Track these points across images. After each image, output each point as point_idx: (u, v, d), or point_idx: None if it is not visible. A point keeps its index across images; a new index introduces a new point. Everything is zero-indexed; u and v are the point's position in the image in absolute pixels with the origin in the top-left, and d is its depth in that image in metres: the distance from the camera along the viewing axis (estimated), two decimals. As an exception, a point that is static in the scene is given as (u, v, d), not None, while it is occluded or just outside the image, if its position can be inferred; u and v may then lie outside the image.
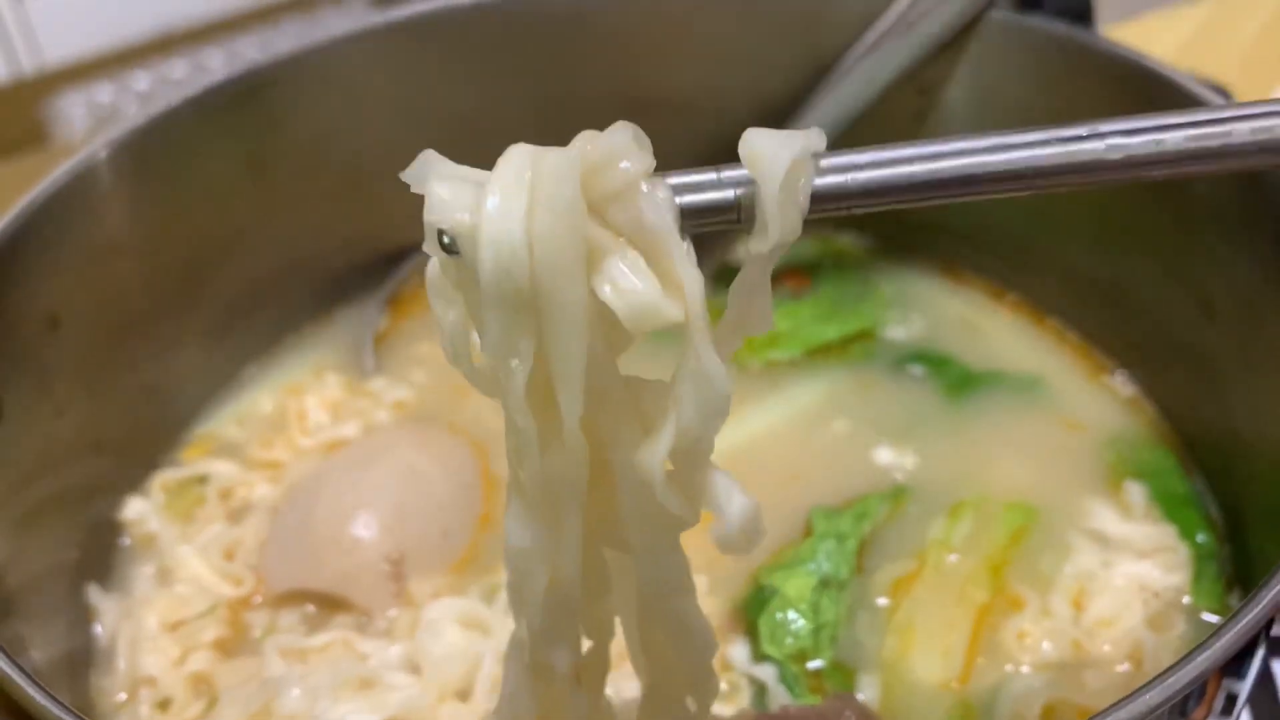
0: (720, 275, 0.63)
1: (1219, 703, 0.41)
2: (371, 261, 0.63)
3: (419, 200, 0.64)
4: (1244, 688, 0.43)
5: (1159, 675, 0.31)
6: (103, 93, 1.27)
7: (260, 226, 0.58)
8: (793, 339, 0.60)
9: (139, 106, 1.10)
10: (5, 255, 0.46)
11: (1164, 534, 0.49)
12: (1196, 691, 0.38)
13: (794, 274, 0.65)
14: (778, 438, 0.55)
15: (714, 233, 0.62)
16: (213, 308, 0.57)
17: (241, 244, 0.58)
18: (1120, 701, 0.31)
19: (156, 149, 0.52)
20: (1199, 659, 0.32)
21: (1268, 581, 0.33)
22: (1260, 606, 0.33)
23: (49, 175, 0.48)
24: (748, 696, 0.44)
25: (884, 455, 0.53)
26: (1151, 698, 0.31)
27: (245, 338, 0.60)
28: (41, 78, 1.24)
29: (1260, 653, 0.43)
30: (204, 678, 0.45)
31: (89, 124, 1.24)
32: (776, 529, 0.50)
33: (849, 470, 0.53)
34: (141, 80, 1.26)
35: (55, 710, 0.30)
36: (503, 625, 0.44)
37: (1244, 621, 0.33)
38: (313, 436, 0.55)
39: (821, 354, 0.59)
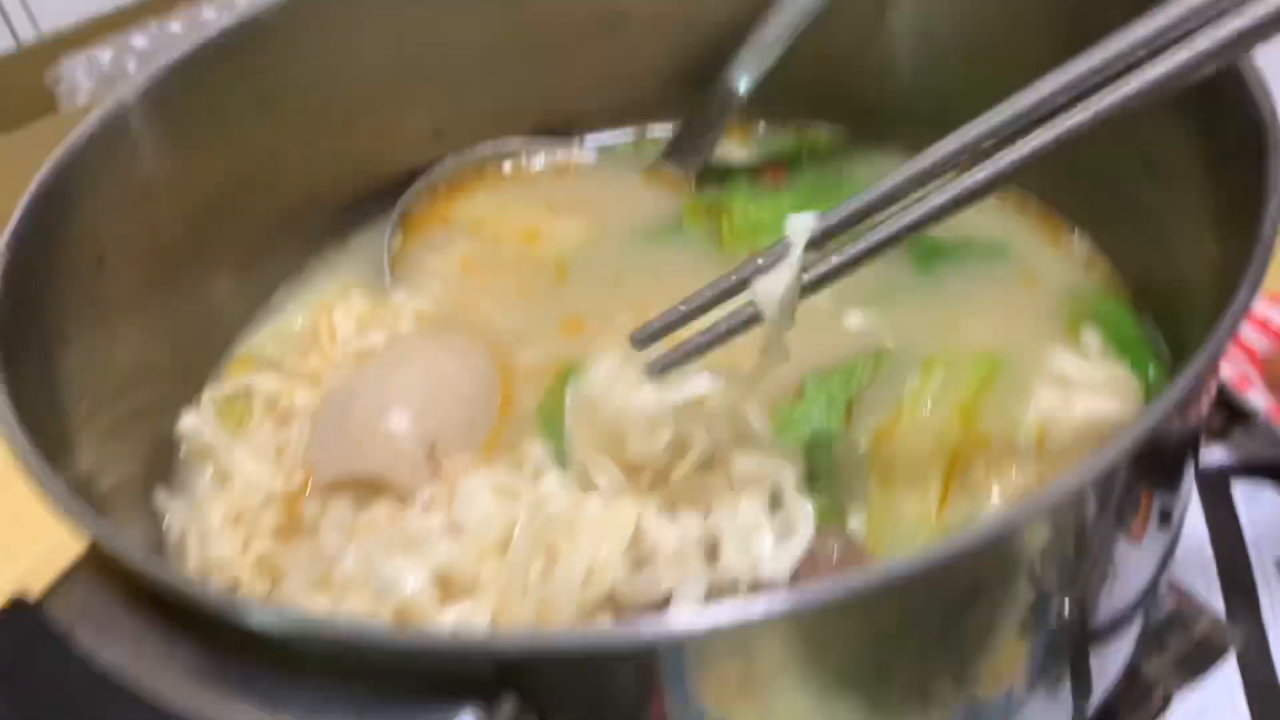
0: (704, 174, 0.68)
1: (1154, 518, 0.47)
2: (382, 185, 0.68)
3: (421, 125, 0.70)
4: (1178, 503, 0.49)
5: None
6: (104, 55, 1.31)
7: (276, 161, 0.63)
8: (774, 227, 0.64)
9: (139, 65, 1.14)
10: (54, 200, 0.51)
11: (1117, 370, 0.54)
12: (1132, 503, 0.43)
13: (773, 168, 0.69)
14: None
15: (700, 132, 0.68)
16: (240, 239, 0.63)
17: (261, 178, 0.63)
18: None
19: (177, 94, 0.57)
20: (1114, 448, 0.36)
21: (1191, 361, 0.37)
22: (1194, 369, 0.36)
23: (83, 123, 0.53)
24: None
25: (863, 322, 0.58)
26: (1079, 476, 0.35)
27: (273, 264, 0.65)
28: (42, 45, 1.27)
29: (1189, 467, 0.48)
30: (266, 560, 0.51)
31: (93, 86, 1.28)
32: (773, 396, 0.55)
33: (834, 340, 0.58)
34: (139, 39, 1.29)
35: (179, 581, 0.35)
36: (530, 490, 0.50)
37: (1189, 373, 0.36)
38: (343, 347, 0.60)
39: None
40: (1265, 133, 0.43)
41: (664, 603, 0.44)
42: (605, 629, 0.32)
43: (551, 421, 0.55)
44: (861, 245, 0.45)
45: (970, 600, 0.38)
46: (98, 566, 0.37)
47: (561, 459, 0.52)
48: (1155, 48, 0.38)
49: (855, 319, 0.58)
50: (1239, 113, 0.45)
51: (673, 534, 0.45)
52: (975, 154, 0.42)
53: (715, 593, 0.45)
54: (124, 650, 0.34)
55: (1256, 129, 0.44)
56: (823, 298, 0.60)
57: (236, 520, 0.52)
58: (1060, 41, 0.58)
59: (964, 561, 0.34)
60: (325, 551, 0.50)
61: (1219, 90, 0.44)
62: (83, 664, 0.33)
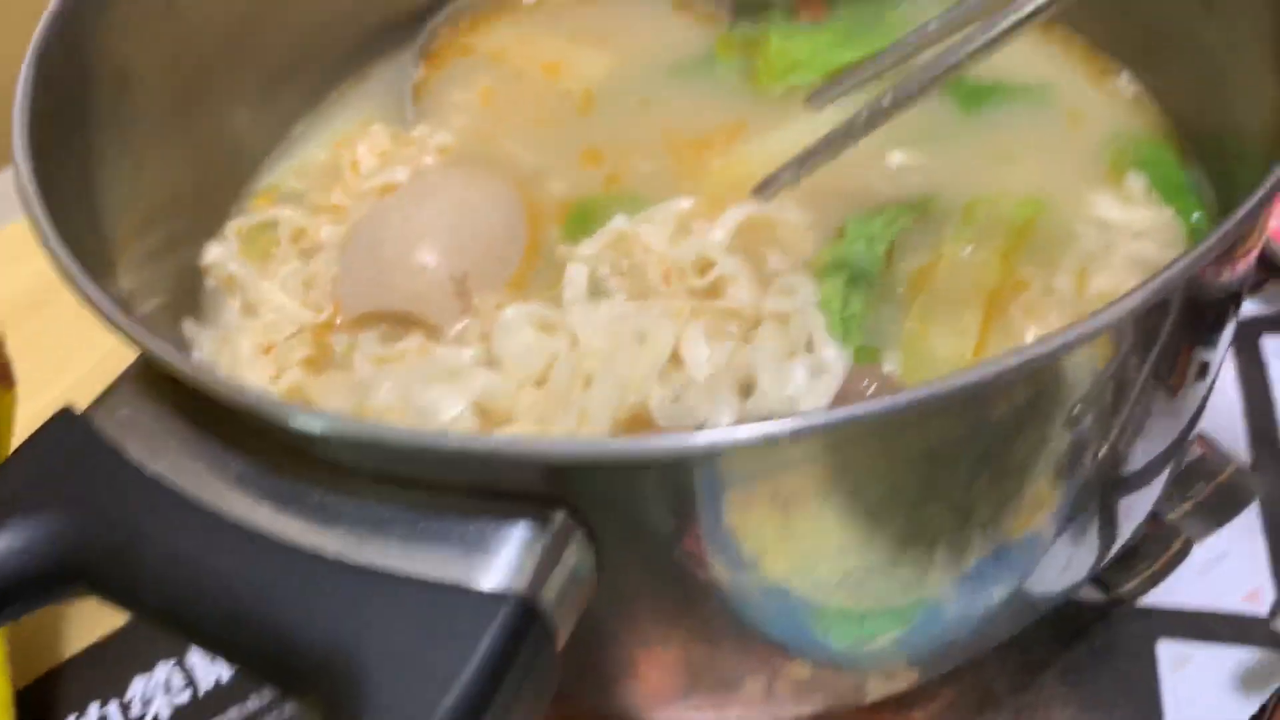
0: (738, 7, 0.66)
1: (1192, 370, 0.46)
2: (404, 14, 0.66)
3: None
4: (1215, 356, 0.48)
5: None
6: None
7: (289, -10, 0.61)
8: (811, 64, 0.62)
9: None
10: (75, 17, 0.49)
11: (1162, 216, 0.53)
12: (1169, 356, 0.43)
13: (811, 2, 0.67)
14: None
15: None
16: (260, 67, 0.61)
17: (273, 8, 0.61)
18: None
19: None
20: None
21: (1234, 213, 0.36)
22: (1235, 220, 0.35)
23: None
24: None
25: (907, 162, 0.57)
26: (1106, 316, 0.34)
27: (292, 97, 0.63)
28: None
29: (1230, 318, 0.48)
30: (299, 389, 0.51)
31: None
32: (817, 237, 0.54)
33: (875, 180, 0.56)
34: None
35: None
36: (575, 324, 0.49)
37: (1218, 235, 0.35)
38: (366, 182, 0.59)
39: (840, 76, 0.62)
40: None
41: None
42: (649, 439, 0.31)
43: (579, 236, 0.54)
44: (904, 89, 0.43)
45: (1003, 439, 0.38)
46: (145, 379, 0.36)
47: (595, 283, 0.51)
48: None
49: (899, 158, 0.57)
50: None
51: (707, 359, 0.45)
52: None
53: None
54: (173, 461, 0.34)
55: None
56: (868, 139, 0.60)
57: (266, 350, 0.52)
58: None
59: (995, 390, 0.34)
60: (359, 377, 0.49)
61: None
62: (135, 471, 0.33)
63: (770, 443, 0.30)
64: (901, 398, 0.30)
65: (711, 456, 0.31)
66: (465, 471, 0.33)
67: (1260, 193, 0.36)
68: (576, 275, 0.52)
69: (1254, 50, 0.50)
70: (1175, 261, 0.33)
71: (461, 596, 0.31)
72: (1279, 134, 0.46)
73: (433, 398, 0.45)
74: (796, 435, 0.30)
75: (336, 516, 0.33)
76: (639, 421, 0.44)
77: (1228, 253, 0.41)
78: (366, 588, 0.32)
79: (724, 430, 0.30)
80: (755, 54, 0.64)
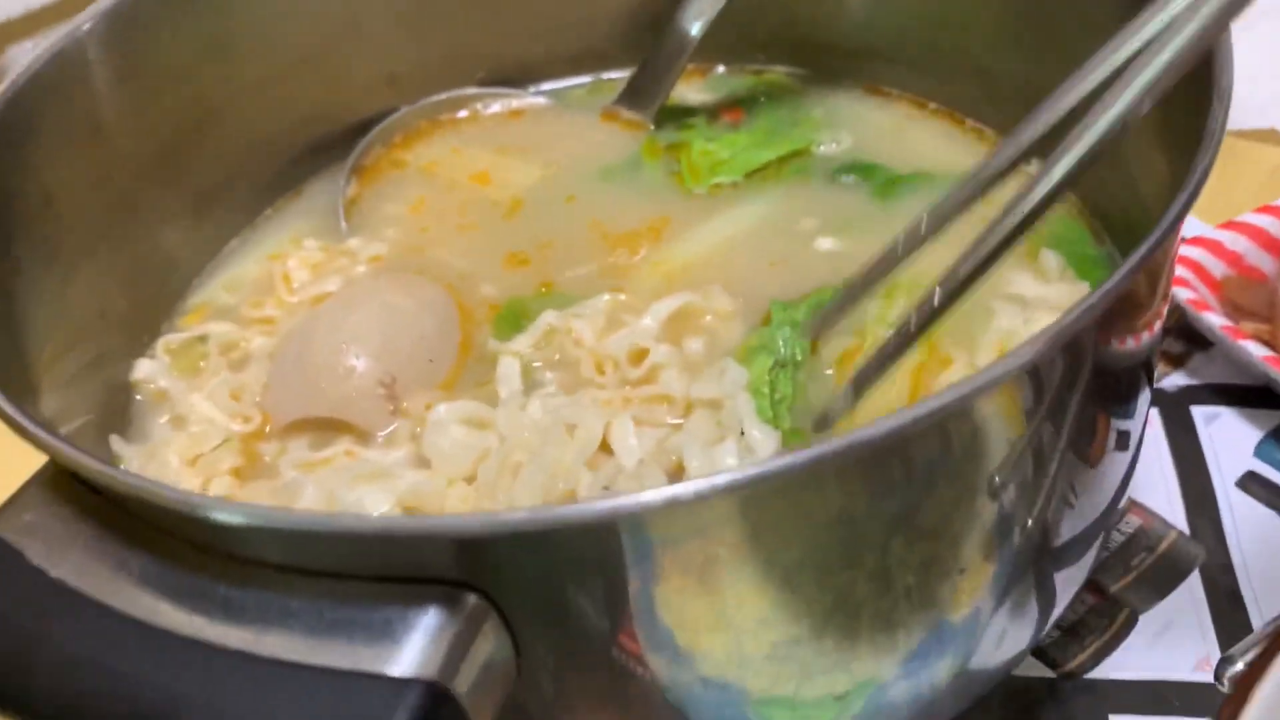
0: (661, 116, 0.68)
1: (1111, 440, 0.47)
2: (336, 134, 0.67)
3: (374, 73, 0.69)
4: (1134, 425, 0.49)
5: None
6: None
7: (228, 107, 0.62)
8: (733, 164, 0.64)
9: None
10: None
11: (1077, 290, 0.54)
12: (1086, 427, 0.44)
13: (730, 108, 0.69)
14: (732, 247, 0.59)
15: (656, 75, 0.67)
16: (192, 186, 0.61)
17: (212, 124, 0.62)
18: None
19: (125, 33, 0.56)
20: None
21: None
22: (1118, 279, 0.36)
23: (31, 59, 0.52)
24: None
25: (830, 246, 0.58)
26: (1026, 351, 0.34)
27: (226, 214, 0.64)
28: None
29: (1144, 394, 0.49)
30: (226, 497, 0.50)
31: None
32: (745, 323, 0.55)
33: (797, 267, 0.58)
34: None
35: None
36: (503, 420, 0.49)
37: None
38: (298, 294, 0.60)
39: (761, 175, 0.64)
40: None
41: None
42: (558, 507, 0.31)
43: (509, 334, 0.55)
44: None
45: (916, 502, 0.37)
46: (52, 485, 0.36)
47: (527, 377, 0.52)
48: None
49: (824, 244, 0.58)
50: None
51: (636, 446, 0.45)
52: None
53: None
54: (77, 563, 0.34)
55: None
56: (791, 224, 0.61)
57: (194, 462, 0.52)
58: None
59: (892, 447, 0.34)
60: (285, 486, 0.49)
61: None
62: (36, 574, 0.33)
63: (676, 505, 0.30)
64: (802, 455, 0.30)
65: (618, 521, 0.31)
66: (373, 557, 0.33)
67: (1134, 258, 0.37)
68: (509, 370, 0.53)
69: (1142, 128, 0.51)
70: (1065, 315, 0.34)
71: (370, 684, 0.31)
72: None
73: (358, 497, 0.45)
74: (701, 497, 0.30)
75: (241, 610, 0.32)
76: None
77: (1126, 320, 0.42)
78: (272, 680, 0.31)
79: (629, 495, 0.30)
80: (680, 156, 0.66)
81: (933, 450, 0.36)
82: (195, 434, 0.53)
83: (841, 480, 0.34)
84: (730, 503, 0.32)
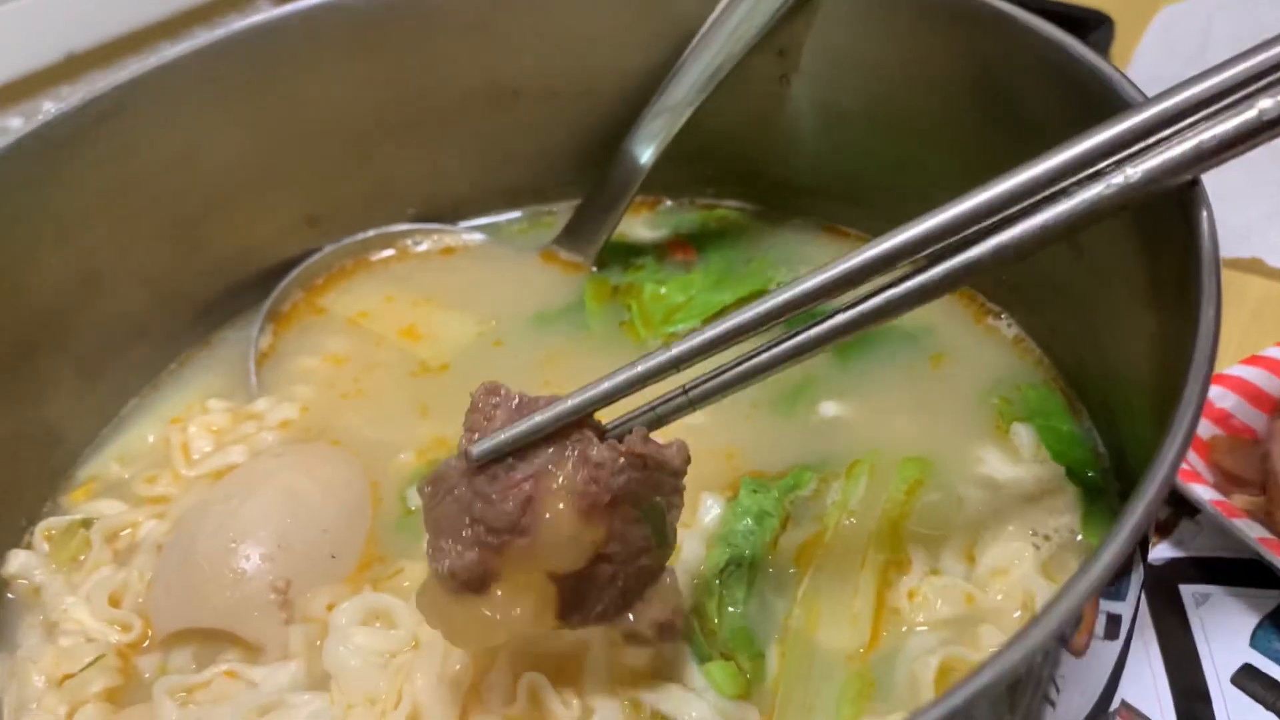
0: (606, 254, 0.63)
1: (1100, 626, 0.41)
2: (247, 281, 0.62)
3: (288, 216, 0.64)
4: (1125, 610, 0.44)
5: (1039, 614, 0.30)
6: (14, 121, 1.23)
7: (123, 258, 0.57)
8: (689, 309, 0.59)
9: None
10: None
11: (1053, 474, 0.49)
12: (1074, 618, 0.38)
13: (680, 245, 0.64)
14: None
15: (602, 209, 0.62)
16: (83, 346, 0.56)
17: (105, 279, 0.56)
18: (1001, 649, 0.30)
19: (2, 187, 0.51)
20: (1076, 589, 0.31)
21: (1132, 509, 0.33)
22: (1127, 530, 0.32)
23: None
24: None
25: (797, 417, 0.53)
26: (1035, 636, 0.30)
27: (123, 374, 0.58)
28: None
29: (1136, 575, 0.43)
30: (92, 734, 0.44)
31: None
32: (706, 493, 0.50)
33: (765, 441, 0.52)
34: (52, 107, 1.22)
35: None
36: (409, 614, 0.44)
37: (1115, 545, 0.32)
38: (197, 467, 0.54)
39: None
40: (1192, 218, 0.39)
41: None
42: None
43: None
44: (784, 346, 0.39)
45: None
46: None
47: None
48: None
49: (784, 418, 0.53)
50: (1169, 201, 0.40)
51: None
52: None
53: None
54: None
55: (1183, 213, 0.39)
56: (748, 389, 0.55)
57: (61, 682, 0.46)
58: (966, 112, 0.54)
59: None
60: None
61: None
62: None
63: None
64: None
65: None
66: None
67: (1131, 516, 0.32)
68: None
69: (1123, 290, 0.47)
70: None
71: None
72: (1153, 387, 0.43)
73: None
74: None
75: None
76: None
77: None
78: None
79: None
80: (629, 301, 0.60)
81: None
82: (66, 648, 0.47)
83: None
84: None
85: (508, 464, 0.38)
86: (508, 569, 0.38)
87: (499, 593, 0.38)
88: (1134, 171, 0.36)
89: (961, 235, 0.37)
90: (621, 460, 0.38)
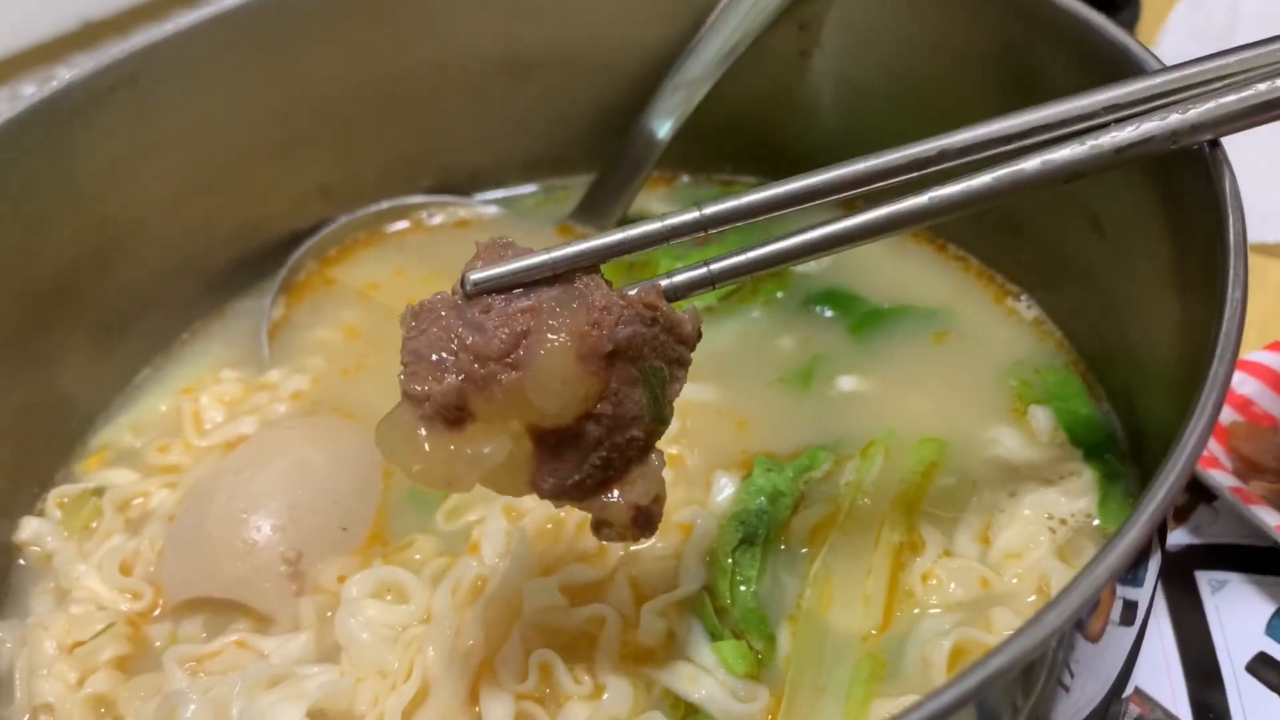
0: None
1: (1116, 612, 0.41)
2: (261, 251, 0.61)
3: (302, 186, 0.63)
4: (1142, 596, 0.43)
5: (1055, 599, 0.30)
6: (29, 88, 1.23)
7: (136, 227, 0.56)
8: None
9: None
10: None
11: (1070, 458, 0.48)
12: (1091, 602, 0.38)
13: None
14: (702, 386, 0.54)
15: (619, 183, 0.62)
16: (96, 316, 0.56)
17: (119, 248, 0.56)
18: (1016, 633, 0.30)
19: (13, 157, 0.50)
20: (1094, 574, 0.30)
21: (1152, 494, 0.32)
22: (1147, 514, 0.31)
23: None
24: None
25: (807, 394, 0.53)
26: (1051, 620, 0.30)
27: (136, 342, 0.58)
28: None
29: (1153, 561, 0.43)
30: (103, 699, 0.44)
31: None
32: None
33: (778, 418, 0.52)
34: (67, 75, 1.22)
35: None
36: (420, 588, 0.44)
37: (1134, 530, 0.31)
38: (209, 437, 0.54)
39: (737, 296, 0.58)
40: (1219, 200, 0.38)
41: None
42: None
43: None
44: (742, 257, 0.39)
45: None
46: None
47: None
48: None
49: (800, 397, 0.53)
50: (1190, 172, 0.40)
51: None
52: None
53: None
54: None
55: (1210, 192, 0.38)
56: (763, 365, 0.54)
57: (73, 649, 0.46)
58: (989, 89, 0.53)
59: None
60: (171, 688, 0.43)
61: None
62: None
63: None
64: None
65: None
66: None
67: (1152, 503, 0.31)
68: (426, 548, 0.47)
69: (1145, 275, 0.46)
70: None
71: None
72: (1175, 366, 0.42)
73: (261, 710, 0.39)
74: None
75: None
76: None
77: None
78: None
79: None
80: (645, 275, 0.60)
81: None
82: (77, 615, 0.47)
83: None
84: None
85: (505, 297, 0.34)
86: (488, 409, 0.34)
87: (472, 432, 0.34)
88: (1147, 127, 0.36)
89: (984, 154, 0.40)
90: (630, 311, 0.35)
